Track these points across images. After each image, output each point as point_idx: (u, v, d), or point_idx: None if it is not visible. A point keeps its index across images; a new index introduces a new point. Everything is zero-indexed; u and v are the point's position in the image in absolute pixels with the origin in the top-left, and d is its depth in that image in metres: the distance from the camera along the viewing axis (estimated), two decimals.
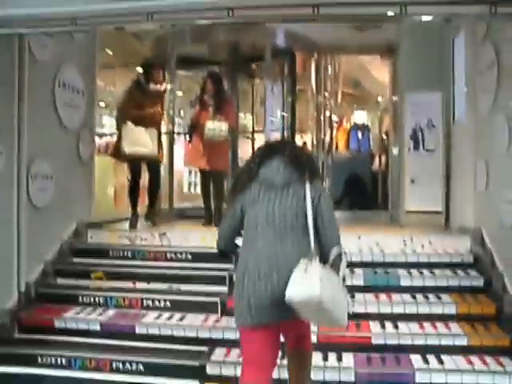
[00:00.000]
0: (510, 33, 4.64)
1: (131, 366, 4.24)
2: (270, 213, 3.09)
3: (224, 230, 3.36)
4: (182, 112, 11.30)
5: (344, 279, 3.07)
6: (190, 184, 12.76)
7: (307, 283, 2.79)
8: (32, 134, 5.13)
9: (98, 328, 4.70)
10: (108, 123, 13.74)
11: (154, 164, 6.82)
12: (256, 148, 3.50)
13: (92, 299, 5.08)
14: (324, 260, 3.00)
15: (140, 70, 6.95)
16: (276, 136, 8.80)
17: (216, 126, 6.75)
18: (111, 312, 4.94)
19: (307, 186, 3.11)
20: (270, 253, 3.04)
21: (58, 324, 4.77)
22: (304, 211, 3.07)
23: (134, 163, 6.67)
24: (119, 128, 6.55)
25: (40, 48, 5.23)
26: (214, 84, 6.98)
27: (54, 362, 4.36)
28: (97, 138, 10.51)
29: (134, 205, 6.76)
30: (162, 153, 6.96)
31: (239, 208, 3.22)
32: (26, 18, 4.16)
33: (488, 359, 4.09)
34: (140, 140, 6.40)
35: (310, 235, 3.03)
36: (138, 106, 6.47)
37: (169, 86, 7.87)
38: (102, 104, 12.41)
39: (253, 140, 9.75)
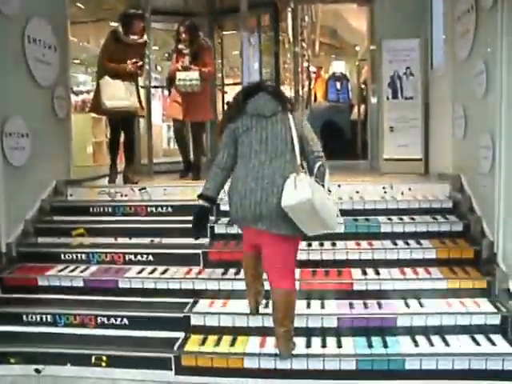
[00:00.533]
0: None
1: (116, 320, 4.26)
2: (263, 139, 3.62)
3: (218, 170, 3.74)
4: (158, 66, 11.16)
5: (329, 190, 3.57)
6: (169, 139, 12.69)
7: (298, 190, 3.36)
8: (4, 93, 5.01)
9: (81, 284, 4.70)
10: (84, 80, 13.54)
11: (129, 119, 6.64)
12: (241, 87, 4.08)
13: (74, 256, 5.07)
14: (310, 175, 3.55)
15: (118, 22, 6.64)
16: None
17: (186, 76, 6.58)
18: (94, 268, 4.93)
19: (290, 116, 3.67)
20: (258, 175, 3.55)
21: (41, 282, 4.76)
22: (291, 136, 3.61)
23: (114, 117, 6.55)
24: (98, 83, 6.44)
25: (5, 1, 5.01)
26: (188, 32, 6.77)
27: (38, 319, 4.36)
28: (73, 96, 10.39)
29: (113, 160, 6.66)
30: (142, 106, 6.81)
31: (233, 134, 3.70)
32: None
33: (466, 301, 4.18)
34: (119, 93, 6.27)
35: (296, 156, 3.57)
36: (117, 60, 6.31)
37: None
38: (77, 61, 12.20)
39: (223, 92, 9.66)
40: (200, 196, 3.79)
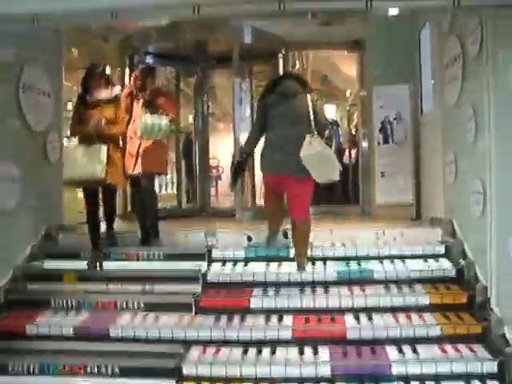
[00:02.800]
0: (473, 25, 4.70)
1: (106, 369, 4.17)
2: (287, 111, 5.00)
3: (253, 134, 5.34)
4: None
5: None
6: (160, 185, 12.71)
7: (312, 146, 4.81)
8: None
9: (71, 332, 4.62)
10: None
11: (100, 190, 5.75)
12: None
13: (65, 303, 5.00)
14: (321, 138, 4.91)
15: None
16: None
17: (153, 120, 5.56)
18: (84, 315, 4.86)
19: (308, 95, 5.06)
20: (284, 135, 4.96)
21: (29, 330, 4.67)
22: (307, 110, 4.97)
23: (84, 189, 5.79)
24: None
25: (3, 48, 5.07)
26: (143, 78, 5.91)
27: (26, 369, 4.25)
28: (66, 141, 10.38)
29: (93, 241, 5.71)
30: (114, 171, 5.59)
31: (264, 109, 5.14)
32: None
33: (461, 347, 4.13)
34: (79, 162, 5.41)
35: (311, 123, 4.92)
36: (82, 121, 5.58)
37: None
38: (70, 105, 12.28)
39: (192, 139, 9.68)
40: (240, 152, 5.53)
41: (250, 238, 5.74)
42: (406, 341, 4.25)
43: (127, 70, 8.44)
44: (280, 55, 8.72)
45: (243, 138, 8.47)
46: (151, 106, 5.77)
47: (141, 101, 5.86)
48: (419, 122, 7.09)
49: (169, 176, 12.04)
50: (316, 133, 4.88)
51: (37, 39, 5.81)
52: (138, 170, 5.72)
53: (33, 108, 5.70)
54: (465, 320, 4.43)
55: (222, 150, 15.14)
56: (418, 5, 4.08)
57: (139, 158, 5.72)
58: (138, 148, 5.74)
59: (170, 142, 8.94)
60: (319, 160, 4.79)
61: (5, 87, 5.30)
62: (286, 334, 4.33)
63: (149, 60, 8.40)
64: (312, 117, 4.94)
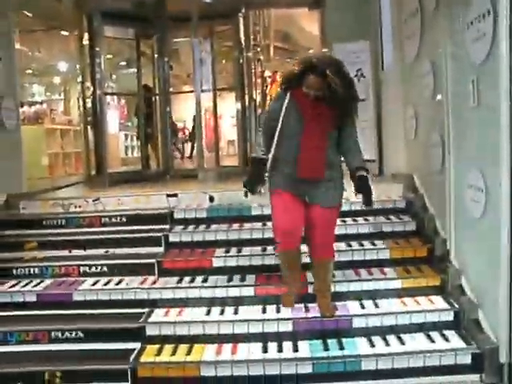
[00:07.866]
0: None
1: (70, 334, 4.15)
2: None
3: None
4: (113, 75, 11.08)
5: None
6: (126, 148, 12.62)
7: None
8: None
9: (34, 299, 4.57)
10: (37, 91, 13.39)
11: None
12: None
13: (27, 271, 4.96)
14: None
15: None
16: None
17: None
18: (47, 282, 4.82)
19: None
20: None
21: None
22: None
23: None
24: None
25: None
26: None
27: None
28: (26, 107, 10.20)
29: None
30: None
31: None
32: None
33: (421, 299, 4.21)
34: None
35: None
36: None
37: None
38: (29, 71, 12.05)
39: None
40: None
41: (212, 199, 5.73)
42: (367, 295, 4.32)
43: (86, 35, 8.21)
44: (240, 14, 8.62)
45: (204, 98, 8.49)
46: None
47: None
48: (380, 79, 7.08)
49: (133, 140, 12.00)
50: None
51: None
52: None
53: None
54: (425, 272, 4.52)
55: (187, 112, 15.07)
56: None
57: None
58: None
59: (131, 104, 8.87)
60: None
61: None
62: (249, 293, 4.38)
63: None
64: None
